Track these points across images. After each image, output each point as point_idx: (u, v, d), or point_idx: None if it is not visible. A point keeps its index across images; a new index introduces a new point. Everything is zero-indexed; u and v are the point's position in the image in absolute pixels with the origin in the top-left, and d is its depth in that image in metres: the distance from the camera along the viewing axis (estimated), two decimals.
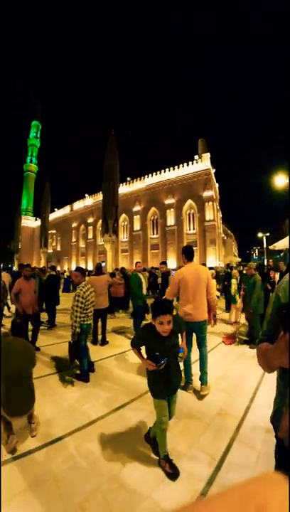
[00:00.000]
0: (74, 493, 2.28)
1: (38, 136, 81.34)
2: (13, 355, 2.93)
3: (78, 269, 5.01)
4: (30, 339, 6.04)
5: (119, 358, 5.75)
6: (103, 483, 2.37)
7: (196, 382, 4.32)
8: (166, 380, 2.53)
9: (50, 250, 51.32)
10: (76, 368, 4.97)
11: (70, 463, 2.63)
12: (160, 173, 42.49)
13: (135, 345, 2.66)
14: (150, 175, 43.54)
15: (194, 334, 4.25)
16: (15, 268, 36.53)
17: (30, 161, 78.68)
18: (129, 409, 3.64)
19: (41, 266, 23.93)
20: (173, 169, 41.15)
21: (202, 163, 38.45)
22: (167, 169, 41.74)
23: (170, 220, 39.55)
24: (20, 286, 5.99)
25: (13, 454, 2.79)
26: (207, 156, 38.67)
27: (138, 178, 44.87)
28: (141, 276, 7.32)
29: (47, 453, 2.80)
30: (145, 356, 2.57)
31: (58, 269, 40.96)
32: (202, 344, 4.25)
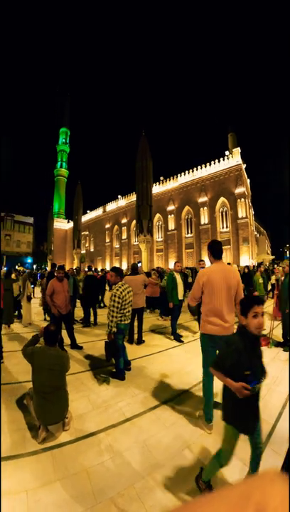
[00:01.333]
0: (107, 487, 2.29)
1: (67, 141, 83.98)
2: (45, 365, 3.03)
3: (114, 268, 5.02)
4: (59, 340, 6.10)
5: (155, 358, 5.71)
6: (137, 481, 2.36)
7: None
8: (253, 407, 2.04)
9: (83, 251, 52.52)
10: (112, 366, 5.01)
11: (103, 458, 2.65)
12: (192, 171, 42.02)
13: (221, 367, 2.04)
14: (182, 173, 43.24)
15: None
16: (48, 268, 37.65)
17: (61, 166, 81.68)
18: (165, 410, 3.58)
19: (74, 266, 24.54)
20: (205, 166, 40.57)
21: (233, 158, 37.49)
22: (199, 167, 41.25)
23: (204, 218, 38.99)
24: (53, 287, 6.16)
25: (43, 444, 2.89)
26: (237, 151, 37.60)
27: (171, 177, 44.72)
28: (178, 276, 7.28)
29: (80, 447, 2.85)
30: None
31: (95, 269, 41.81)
32: None
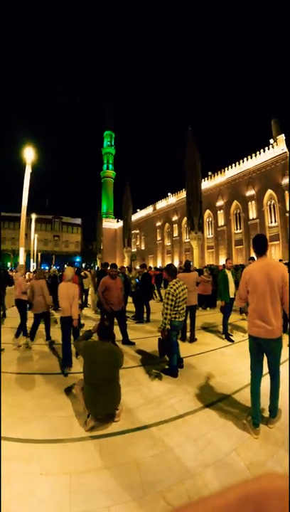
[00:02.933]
0: (156, 481, 2.32)
1: (112, 143, 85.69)
2: (98, 359, 3.17)
3: (168, 266, 5.08)
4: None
5: (207, 357, 5.63)
6: (188, 478, 2.35)
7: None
8: None
9: (133, 249, 53.28)
10: (163, 362, 5.07)
11: (153, 452, 2.70)
12: (239, 163, 40.44)
13: None
14: (229, 167, 41.77)
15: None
16: (98, 266, 38.81)
17: (107, 168, 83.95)
18: (217, 409, 3.52)
19: (125, 265, 24.96)
20: (251, 158, 38.63)
21: (278, 147, 35.05)
22: (245, 158, 39.49)
23: (252, 213, 37.04)
24: (106, 284, 6.36)
25: (90, 432, 3.03)
26: (281, 138, 35.06)
27: (219, 171, 43.50)
28: (229, 273, 7.14)
29: (130, 439, 2.93)
30: None
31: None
32: (274, 370, 3.21)
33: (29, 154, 17.51)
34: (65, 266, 14.55)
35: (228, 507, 0.25)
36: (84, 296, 12.06)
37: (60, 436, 2.99)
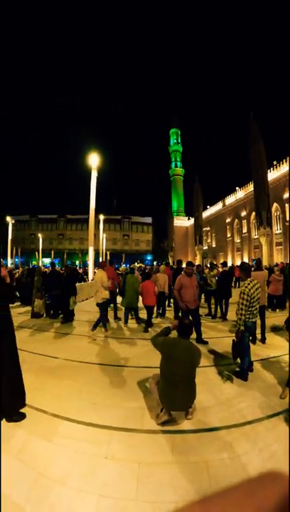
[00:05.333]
0: (224, 484, 2.30)
1: (179, 141, 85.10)
2: (176, 355, 3.21)
3: (242, 265, 4.99)
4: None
5: (278, 362, 5.29)
6: None
7: None
8: None
9: (205, 247, 52.55)
10: (235, 364, 4.95)
11: (222, 455, 2.64)
12: None
13: None
14: None
15: None
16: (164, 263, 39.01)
17: (175, 166, 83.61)
18: (281, 421, 3.28)
19: (197, 263, 24.79)
20: None
21: None
22: None
23: None
24: (181, 282, 6.44)
25: (162, 427, 3.08)
26: None
27: (285, 160, 40.07)
28: None
29: (201, 438, 2.92)
30: None
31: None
32: None
33: (94, 159, 18.41)
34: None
35: (229, 506, 0.26)
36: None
37: (130, 426, 3.12)
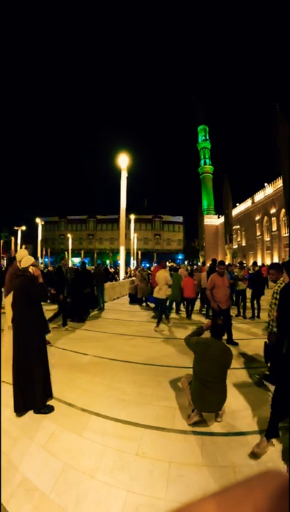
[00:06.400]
0: None
1: (207, 138, 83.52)
2: (209, 356, 3.17)
3: (274, 265, 4.86)
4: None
5: None
6: None
7: None
8: None
9: (235, 246, 51.54)
10: (265, 367, 4.80)
11: (249, 462, 2.57)
12: None
13: None
14: None
15: None
16: (200, 263, 38.73)
17: (205, 163, 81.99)
18: None
19: (227, 262, 24.43)
20: None
21: None
22: None
23: None
24: (214, 281, 6.38)
25: (192, 427, 3.06)
26: None
27: None
28: None
29: (230, 442, 2.85)
30: None
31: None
32: None
33: (124, 160, 18.58)
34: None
35: (229, 505, 0.26)
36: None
37: (162, 425, 3.12)
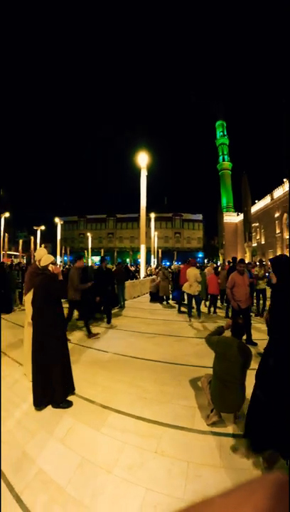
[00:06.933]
0: None
1: (225, 133, 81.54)
2: (229, 355, 3.13)
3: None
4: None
5: None
6: None
7: None
8: None
9: (254, 244, 50.67)
10: None
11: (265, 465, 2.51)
12: None
13: None
14: None
15: None
16: (220, 262, 38.25)
17: (223, 160, 79.93)
18: None
19: (247, 260, 24.06)
20: None
21: None
22: None
23: None
24: (234, 280, 6.27)
25: (211, 428, 3.03)
26: None
27: None
28: None
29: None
30: None
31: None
32: None
33: (143, 159, 18.55)
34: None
35: (230, 508, 0.26)
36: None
37: (181, 424, 3.11)
